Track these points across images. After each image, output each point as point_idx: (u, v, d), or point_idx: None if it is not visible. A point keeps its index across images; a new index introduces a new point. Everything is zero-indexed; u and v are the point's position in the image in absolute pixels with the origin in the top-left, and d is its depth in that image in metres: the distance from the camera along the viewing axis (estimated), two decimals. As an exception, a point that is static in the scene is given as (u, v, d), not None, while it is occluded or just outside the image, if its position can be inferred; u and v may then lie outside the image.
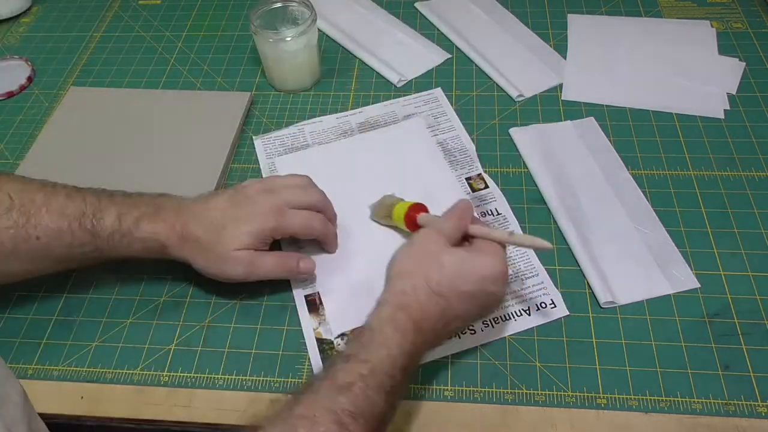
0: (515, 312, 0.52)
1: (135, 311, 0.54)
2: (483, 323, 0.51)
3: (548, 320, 0.51)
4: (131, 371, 0.50)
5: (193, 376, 0.50)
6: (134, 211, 0.50)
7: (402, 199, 0.57)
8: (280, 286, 0.55)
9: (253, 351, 0.51)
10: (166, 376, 0.50)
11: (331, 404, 0.38)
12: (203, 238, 0.50)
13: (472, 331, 0.51)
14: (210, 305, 0.54)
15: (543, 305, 0.52)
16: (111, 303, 0.55)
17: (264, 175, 0.64)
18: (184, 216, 0.50)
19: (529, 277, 0.54)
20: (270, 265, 0.51)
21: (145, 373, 0.50)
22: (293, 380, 0.49)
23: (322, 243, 0.55)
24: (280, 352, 0.51)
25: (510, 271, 0.54)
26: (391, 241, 0.57)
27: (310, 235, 0.54)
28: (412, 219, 0.53)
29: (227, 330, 0.52)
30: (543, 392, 0.47)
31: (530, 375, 0.48)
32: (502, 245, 0.48)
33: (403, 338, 0.42)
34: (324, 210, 0.54)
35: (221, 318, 0.53)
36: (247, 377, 0.50)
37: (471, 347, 0.50)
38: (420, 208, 0.54)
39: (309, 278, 0.55)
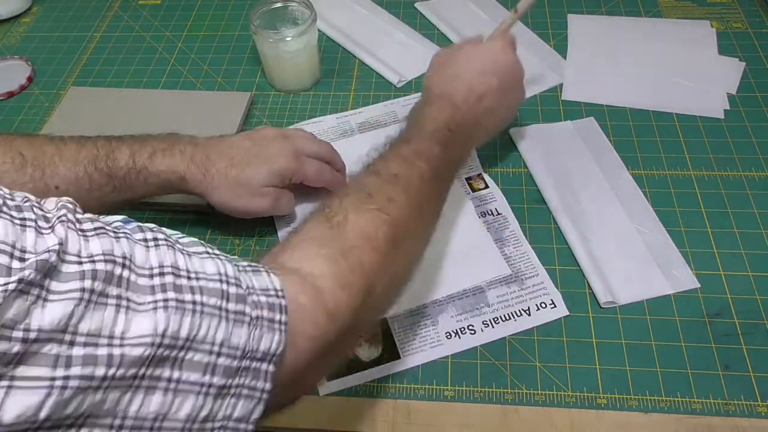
0: (515, 312, 0.52)
1: (135, 311, 0.54)
2: (483, 323, 0.51)
3: (548, 320, 0.51)
4: (131, 371, 0.50)
5: (193, 376, 0.50)
6: (147, 148, 0.51)
7: None
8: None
9: (253, 351, 0.51)
10: (166, 376, 0.50)
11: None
12: (229, 172, 0.51)
13: (472, 331, 0.51)
14: (210, 305, 0.54)
15: (543, 305, 0.52)
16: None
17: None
18: (203, 149, 0.52)
19: (529, 277, 0.54)
20: (291, 201, 0.56)
21: (145, 373, 0.50)
22: (293, 380, 0.49)
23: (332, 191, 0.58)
24: (280, 352, 0.51)
25: (510, 271, 0.54)
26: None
27: (321, 183, 0.57)
28: None
29: (227, 330, 0.52)
30: (543, 392, 0.47)
31: (530, 375, 0.48)
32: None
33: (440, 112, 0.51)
34: (333, 161, 0.58)
35: (221, 318, 0.53)
36: (247, 377, 0.49)
37: (471, 347, 0.50)
38: None
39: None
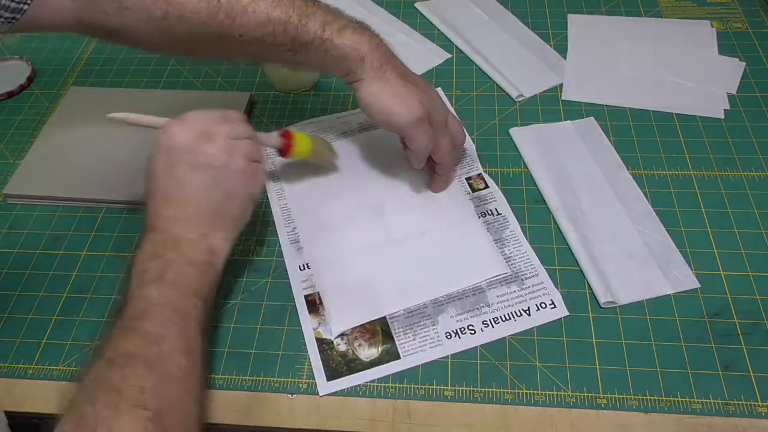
0: (515, 312, 0.52)
1: (135, 311, 0.54)
2: (483, 323, 0.51)
3: (548, 320, 0.51)
4: (131, 371, 0.50)
5: (193, 376, 0.50)
6: (340, 21, 0.52)
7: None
8: (280, 286, 0.55)
9: (253, 351, 0.51)
10: (166, 376, 0.50)
11: None
12: (398, 78, 0.52)
13: (472, 331, 0.51)
14: (210, 305, 0.54)
15: (543, 305, 0.52)
16: (111, 303, 0.55)
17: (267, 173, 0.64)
18: (389, 49, 0.54)
19: (529, 277, 0.54)
20: (429, 138, 0.54)
21: (145, 373, 0.50)
22: (293, 380, 0.49)
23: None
24: (280, 352, 0.51)
25: (510, 271, 0.54)
26: (389, 241, 0.57)
27: (444, 160, 0.58)
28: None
29: (227, 330, 0.52)
30: (543, 392, 0.47)
31: (530, 375, 0.48)
32: None
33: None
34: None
35: (221, 318, 0.53)
36: (247, 377, 0.50)
37: (471, 347, 0.50)
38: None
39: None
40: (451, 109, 0.68)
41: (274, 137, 0.56)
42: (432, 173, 0.60)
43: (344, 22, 0.52)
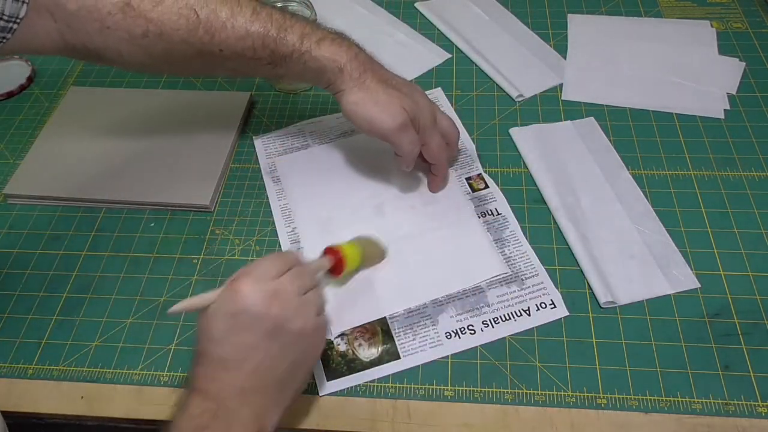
0: (515, 312, 0.52)
1: (135, 311, 0.54)
2: (483, 323, 0.51)
3: (548, 320, 0.51)
4: (131, 371, 0.50)
5: (193, 376, 0.50)
6: (318, 33, 0.52)
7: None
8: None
9: (253, 351, 0.51)
10: (166, 376, 0.50)
11: None
12: (379, 85, 0.52)
13: (472, 331, 0.51)
14: (210, 305, 0.54)
15: (543, 305, 0.52)
16: (111, 303, 0.55)
17: (264, 175, 0.64)
18: (369, 57, 0.54)
19: (529, 277, 0.54)
20: (415, 143, 0.54)
21: (145, 373, 0.50)
22: (293, 380, 0.49)
23: None
24: (280, 352, 0.51)
25: (509, 271, 0.54)
26: (390, 241, 0.57)
27: (436, 159, 0.57)
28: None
29: (227, 330, 0.52)
30: (543, 392, 0.47)
31: (530, 375, 0.48)
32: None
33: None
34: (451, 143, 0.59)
35: (221, 318, 0.53)
36: (247, 377, 0.49)
37: (471, 347, 0.50)
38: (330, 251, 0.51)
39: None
40: (450, 109, 0.68)
41: (324, 261, 0.50)
42: (428, 174, 0.60)
43: (322, 34, 0.52)
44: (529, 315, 0.51)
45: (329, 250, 0.51)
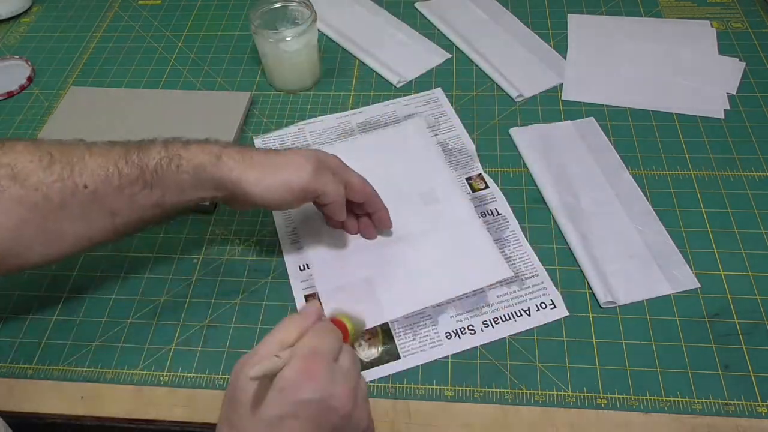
0: (515, 312, 0.52)
1: (135, 311, 0.54)
2: (483, 323, 0.51)
3: (548, 320, 0.51)
4: (131, 371, 0.50)
5: (193, 376, 0.50)
6: (181, 140, 0.48)
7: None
8: (280, 286, 0.55)
9: (253, 351, 0.51)
10: (166, 376, 0.50)
11: None
12: (267, 155, 0.48)
13: (472, 332, 0.51)
14: (210, 305, 0.54)
15: (543, 305, 0.52)
16: (111, 303, 0.55)
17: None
18: (239, 146, 0.49)
19: (529, 277, 0.54)
20: (336, 186, 0.51)
21: (145, 373, 0.50)
22: (293, 380, 0.49)
23: None
24: (280, 352, 0.51)
25: (512, 274, 0.54)
26: (390, 241, 0.57)
27: (364, 196, 0.54)
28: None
29: (227, 330, 0.52)
30: (543, 392, 0.47)
31: (530, 375, 0.48)
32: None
33: None
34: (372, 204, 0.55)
35: (221, 318, 0.53)
36: (247, 377, 0.49)
37: (471, 347, 0.50)
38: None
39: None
40: (451, 109, 0.68)
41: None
42: (365, 217, 0.56)
43: (185, 140, 0.49)
44: (529, 315, 0.51)
45: (335, 321, 0.44)
